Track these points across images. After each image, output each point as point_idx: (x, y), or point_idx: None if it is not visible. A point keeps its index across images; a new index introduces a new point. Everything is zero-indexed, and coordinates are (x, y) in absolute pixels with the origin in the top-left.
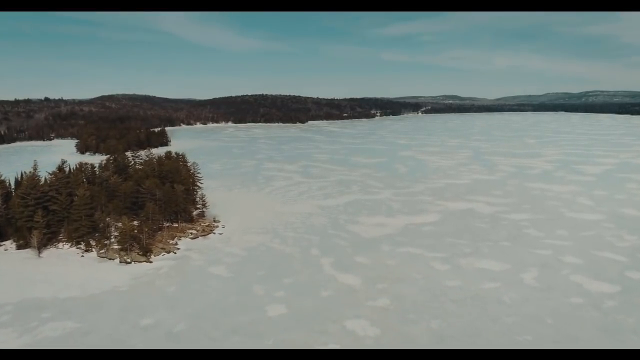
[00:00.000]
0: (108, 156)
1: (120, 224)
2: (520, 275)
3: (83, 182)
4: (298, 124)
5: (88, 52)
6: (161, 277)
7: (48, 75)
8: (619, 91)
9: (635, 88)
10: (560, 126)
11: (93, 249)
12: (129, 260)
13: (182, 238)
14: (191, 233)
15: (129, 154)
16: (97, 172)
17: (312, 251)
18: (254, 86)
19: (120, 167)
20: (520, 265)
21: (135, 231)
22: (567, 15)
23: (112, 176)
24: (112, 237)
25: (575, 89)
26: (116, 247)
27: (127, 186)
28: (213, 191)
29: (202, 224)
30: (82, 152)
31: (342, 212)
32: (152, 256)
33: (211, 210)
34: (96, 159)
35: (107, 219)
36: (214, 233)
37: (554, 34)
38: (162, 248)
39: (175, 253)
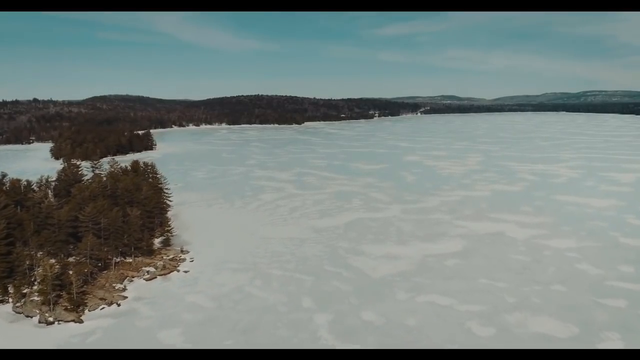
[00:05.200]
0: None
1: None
2: (600, 347)
3: (8, 205)
4: (294, 125)
5: (85, 53)
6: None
7: (44, 77)
8: (617, 91)
9: (634, 88)
10: (567, 127)
11: (10, 299)
12: (51, 318)
13: (134, 279)
14: (147, 272)
15: (86, 163)
16: (36, 191)
17: (303, 302)
18: (251, 88)
19: (69, 183)
20: (593, 328)
21: (71, 272)
22: (564, 15)
23: (46, 198)
24: (36, 282)
25: (573, 88)
26: (37, 298)
27: (63, 212)
28: (189, 207)
29: (164, 257)
30: (57, 158)
31: (342, 238)
32: (86, 311)
33: (181, 235)
34: None
35: (39, 253)
36: (178, 270)
37: (551, 34)
38: (101, 298)
39: (118, 305)
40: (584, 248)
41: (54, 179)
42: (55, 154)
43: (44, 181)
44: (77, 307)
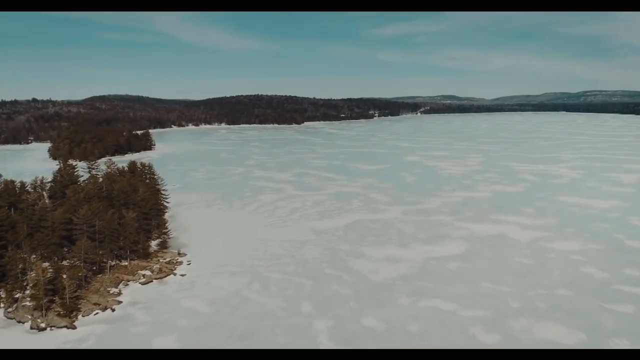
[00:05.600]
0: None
1: (46, 265)
2: None
3: (1, 207)
4: (294, 125)
5: (84, 53)
6: None
7: (43, 76)
8: (617, 91)
9: (633, 88)
10: (568, 127)
11: (2, 304)
12: (43, 324)
13: (130, 283)
14: (143, 276)
15: (84, 163)
16: (31, 192)
17: (302, 307)
18: (251, 87)
19: (64, 184)
20: (600, 334)
21: (65, 276)
22: (564, 15)
23: (40, 200)
24: (28, 287)
25: (572, 88)
26: (30, 303)
27: (57, 214)
28: (187, 208)
29: (161, 260)
30: (55, 158)
31: (342, 240)
32: (80, 316)
33: (178, 237)
34: None
35: (33, 256)
36: (175, 274)
37: (551, 33)
38: (95, 303)
39: (113, 310)
40: (589, 251)
41: (50, 179)
42: (53, 154)
43: (38, 182)
44: (70, 313)
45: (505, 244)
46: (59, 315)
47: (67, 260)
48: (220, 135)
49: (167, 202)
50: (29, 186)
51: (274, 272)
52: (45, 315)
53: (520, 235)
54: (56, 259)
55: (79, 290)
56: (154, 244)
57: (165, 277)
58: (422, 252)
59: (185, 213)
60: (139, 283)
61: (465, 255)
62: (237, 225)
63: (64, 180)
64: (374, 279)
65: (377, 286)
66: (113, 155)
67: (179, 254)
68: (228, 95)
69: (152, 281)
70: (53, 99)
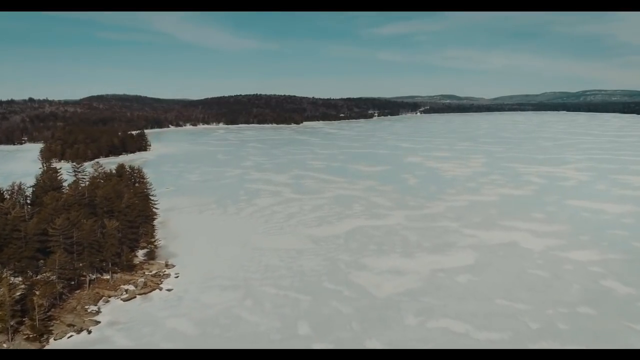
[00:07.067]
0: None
1: (19, 280)
2: None
3: None
4: (293, 125)
5: (83, 52)
6: None
7: (42, 76)
8: (617, 90)
9: (633, 87)
10: (570, 127)
11: None
12: (10, 349)
13: (110, 299)
14: (126, 291)
15: (69, 164)
16: (6, 199)
17: (299, 328)
18: (249, 87)
19: (46, 189)
20: None
21: (37, 294)
22: (564, 15)
23: (14, 208)
24: None
25: (572, 88)
26: None
27: (31, 224)
28: (179, 214)
29: (147, 273)
30: (48, 159)
31: (342, 249)
32: (52, 340)
33: (167, 247)
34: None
35: (5, 270)
36: (161, 288)
37: (550, 33)
38: (69, 324)
39: (89, 332)
40: (608, 261)
41: (33, 184)
42: (45, 155)
43: (16, 188)
44: (40, 336)
45: (517, 253)
46: (27, 339)
47: (40, 275)
48: (218, 135)
49: (157, 208)
50: (5, 192)
51: (269, 286)
52: (12, 339)
53: (533, 244)
54: (30, 273)
55: (52, 310)
56: (140, 254)
57: (150, 292)
58: (428, 263)
59: (177, 219)
60: (121, 299)
61: (475, 267)
62: (230, 233)
63: (46, 185)
64: (377, 294)
65: (380, 303)
66: (107, 156)
67: (166, 265)
68: (226, 95)
69: (135, 297)
70: (50, 98)
